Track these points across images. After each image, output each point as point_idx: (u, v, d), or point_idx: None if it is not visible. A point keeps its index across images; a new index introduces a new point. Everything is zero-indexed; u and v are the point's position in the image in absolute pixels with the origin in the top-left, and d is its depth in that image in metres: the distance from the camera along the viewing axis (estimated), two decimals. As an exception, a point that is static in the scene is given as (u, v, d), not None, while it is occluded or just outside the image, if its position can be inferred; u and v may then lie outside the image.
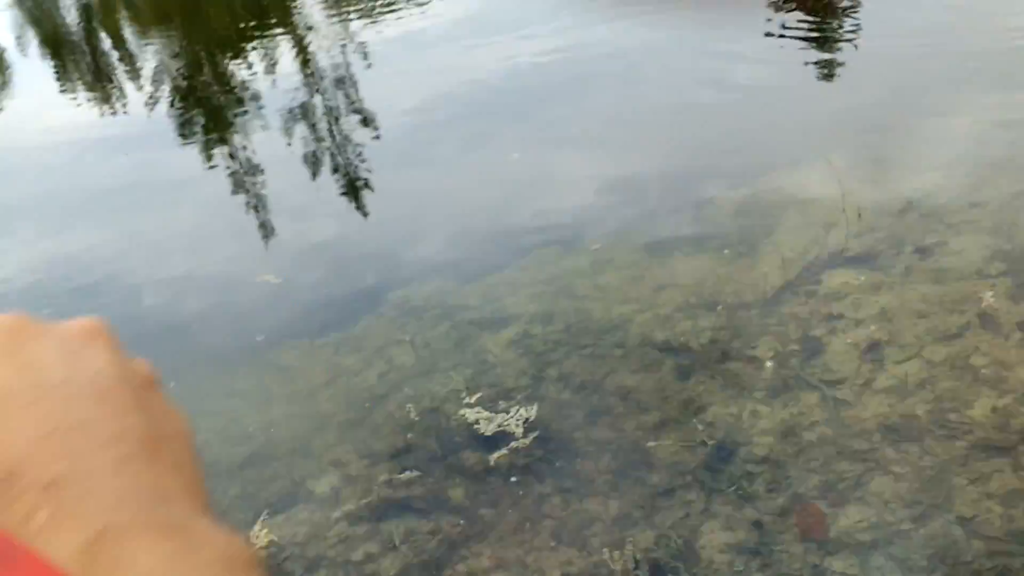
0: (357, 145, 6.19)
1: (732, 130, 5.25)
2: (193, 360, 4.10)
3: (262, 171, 6.36)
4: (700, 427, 3.18)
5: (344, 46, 9.19)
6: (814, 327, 3.52)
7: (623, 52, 6.64)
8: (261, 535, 3.12)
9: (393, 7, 9.58)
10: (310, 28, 10.06)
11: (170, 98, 9.66)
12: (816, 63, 5.93)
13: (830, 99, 5.56)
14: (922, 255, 3.76)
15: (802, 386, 3.27)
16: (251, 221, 5.41)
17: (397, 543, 3.01)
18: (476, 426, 3.36)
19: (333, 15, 10.22)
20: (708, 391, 3.34)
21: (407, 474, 3.24)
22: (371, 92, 7.32)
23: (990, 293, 3.45)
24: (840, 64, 5.97)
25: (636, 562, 2.77)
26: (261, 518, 3.20)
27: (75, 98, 11.03)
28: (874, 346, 3.37)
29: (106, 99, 10.21)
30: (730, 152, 5.03)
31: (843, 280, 3.72)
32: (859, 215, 4.05)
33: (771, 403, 3.22)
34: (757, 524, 2.81)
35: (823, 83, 5.76)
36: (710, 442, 3.12)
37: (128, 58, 11.17)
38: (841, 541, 2.71)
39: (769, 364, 3.39)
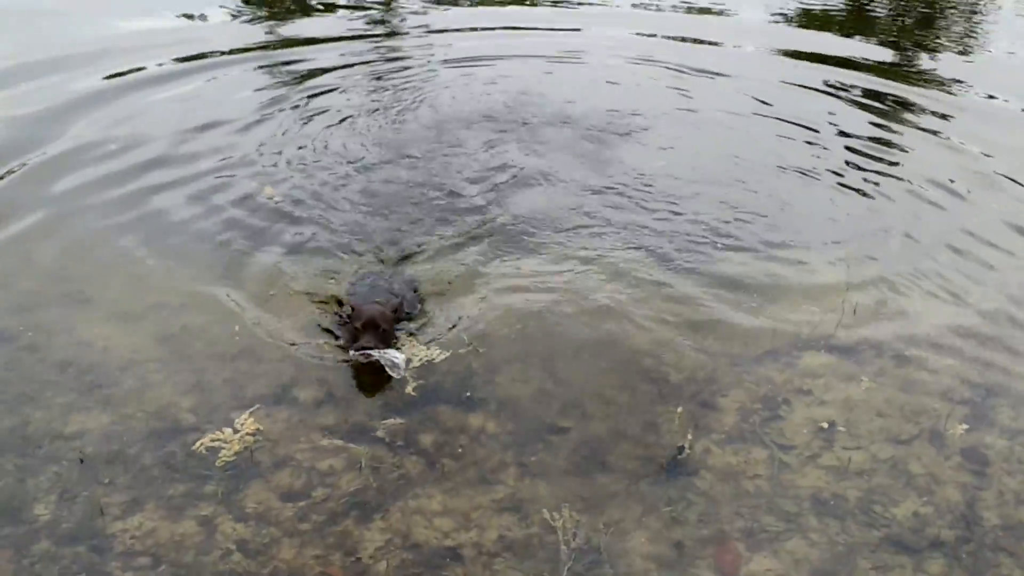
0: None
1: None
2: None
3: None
4: (658, 448, 3.49)
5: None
6: (783, 394, 3.82)
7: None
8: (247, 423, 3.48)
9: None
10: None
11: None
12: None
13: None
14: (899, 362, 4.06)
15: (755, 441, 3.57)
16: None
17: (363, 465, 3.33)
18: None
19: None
20: (673, 419, 3.64)
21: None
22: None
23: (947, 415, 3.75)
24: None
25: (573, 534, 3.10)
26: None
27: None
28: (830, 427, 3.67)
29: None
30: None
31: (822, 362, 4.03)
32: (854, 311, 4.35)
33: (724, 447, 3.53)
34: (679, 545, 3.11)
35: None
36: (661, 460, 3.44)
37: None
38: (747, 582, 3.02)
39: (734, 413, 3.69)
